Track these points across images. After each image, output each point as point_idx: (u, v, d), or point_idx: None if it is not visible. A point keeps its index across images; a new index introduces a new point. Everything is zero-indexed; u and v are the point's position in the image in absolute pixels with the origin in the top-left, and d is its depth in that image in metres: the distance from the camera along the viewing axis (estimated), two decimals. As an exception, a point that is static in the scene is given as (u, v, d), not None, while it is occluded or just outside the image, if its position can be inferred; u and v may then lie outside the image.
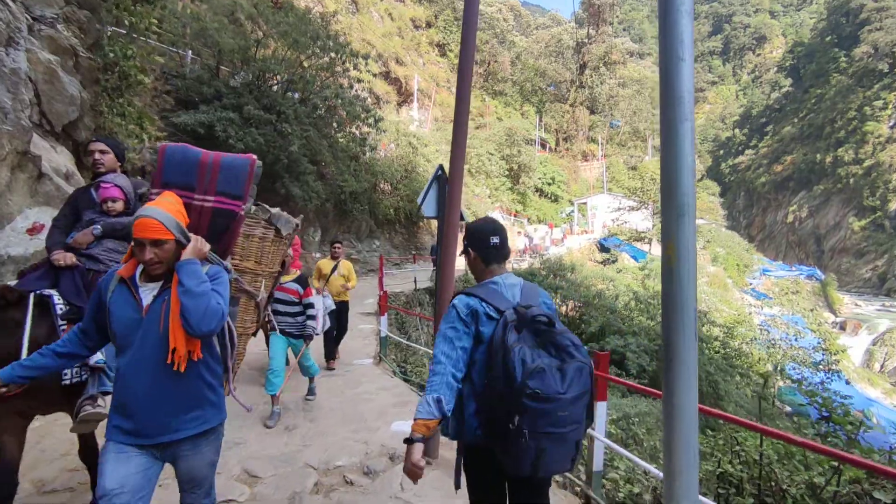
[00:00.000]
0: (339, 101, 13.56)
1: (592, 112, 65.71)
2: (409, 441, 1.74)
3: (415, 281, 14.18)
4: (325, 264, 6.74)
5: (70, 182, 5.27)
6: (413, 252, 21.68)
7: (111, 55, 5.98)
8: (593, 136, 66.15)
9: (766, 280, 59.04)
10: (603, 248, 30.36)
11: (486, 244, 1.97)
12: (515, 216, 36.87)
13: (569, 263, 19.14)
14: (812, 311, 34.50)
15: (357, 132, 15.38)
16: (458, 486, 1.95)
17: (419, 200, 4.60)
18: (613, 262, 28.54)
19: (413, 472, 1.72)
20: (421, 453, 1.72)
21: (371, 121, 14.66)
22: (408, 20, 48.96)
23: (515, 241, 26.20)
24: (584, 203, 43.78)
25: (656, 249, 30.58)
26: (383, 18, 44.12)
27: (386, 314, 7.28)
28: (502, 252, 1.99)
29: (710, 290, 25.84)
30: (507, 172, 40.11)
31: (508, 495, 1.92)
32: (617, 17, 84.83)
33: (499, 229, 2.02)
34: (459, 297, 1.90)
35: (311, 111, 13.80)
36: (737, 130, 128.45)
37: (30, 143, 4.69)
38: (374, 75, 16.07)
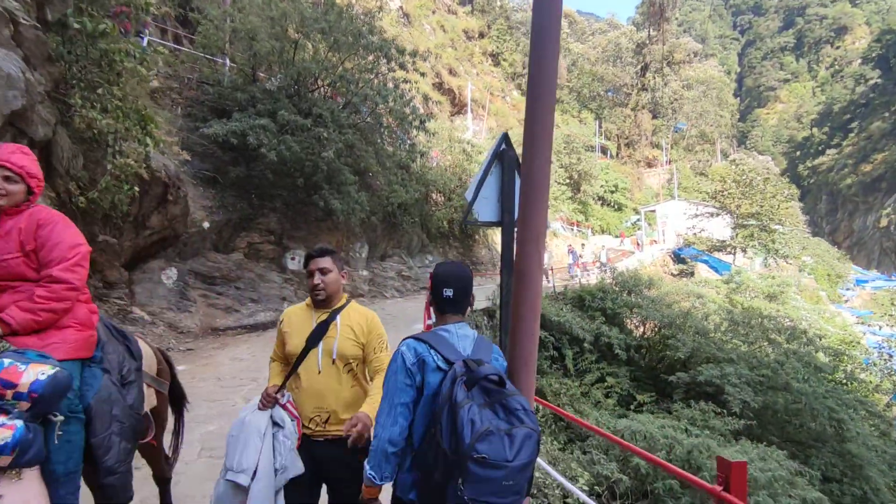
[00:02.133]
0: (381, 99, 12.23)
1: (655, 116, 62.22)
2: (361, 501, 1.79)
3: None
4: (297, 321, 2.43)
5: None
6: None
7: (76, 26, 4.77)
8: (656, 142, 62.53)
9: (862, 292, 52.62)
10: (678, 259, 27.50)
11: (441, 294, 1.86)
12: (577, 226, 34.57)
13: (646, 278, 16.81)
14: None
15: (406, 137, 14.05)
16: None
17: (468, 196, 2.97)
18: (690, 274, 25.68)
19: None
20: None
21: (418, 122, 13.25)
22: (460, 31, 48.17)
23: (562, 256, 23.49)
24: (653, 211, 40.64)
25: (741, 260, 27.31)
26: (435, 31, 43.43)
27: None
28: (458, 304, 1.87)
29: (809, 305, 22.48)
30: (566, 181, 37.91)
31: None
32: (676, 18, 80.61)
33: (457, 279, 1.88)
34: (407, 343, 1.79)
35: (352, 114, 12.56)
36: (815, 129, 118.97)
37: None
38: (422, 74, 14.72)
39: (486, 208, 2.84)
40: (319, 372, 2.31)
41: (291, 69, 11.98)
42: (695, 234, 27.51)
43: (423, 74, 14.79)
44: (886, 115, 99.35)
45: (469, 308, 1.91)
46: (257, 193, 12.28)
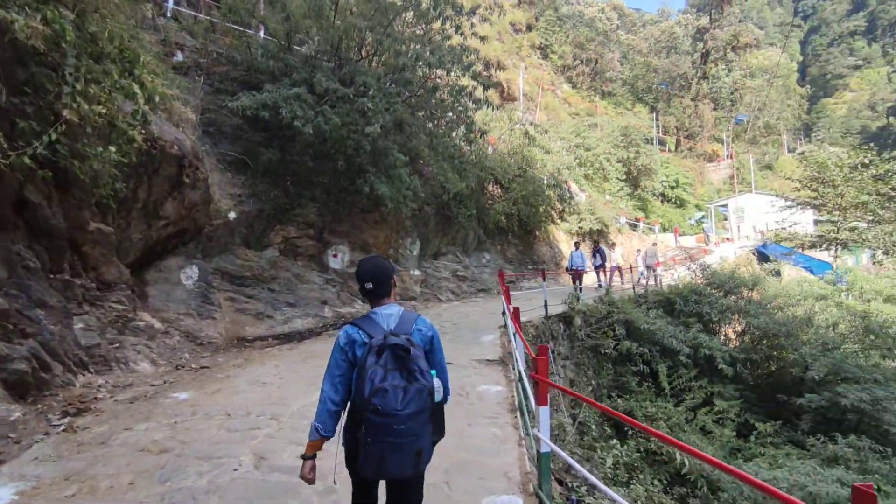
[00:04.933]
0: (437, 62, 10.21)
1: (715, 108, 57.86)
2: (302, 457, 2.14)
3: (545, 305, 10.32)
4: None
5: None
6: (529, 267, 17.84)
7: None
8: (717, 135, 58.18)
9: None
10: (762, 258, 24.28)
11: (364, 288, 2.19)
12: (641, 222, 31.67)
13: (748, 277, 14.14)
14: None
15: (463, 113, 11.98)
16: (334, 482, 2.31)
17: None
18: (776, 274, 22.44)
19: (305, 480, 2.11)
20: (308, 468, 2.11)
21: (481, 89, 11.19)
22: (507, 24, 46.09)
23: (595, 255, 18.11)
24: (724, 206, 37.05)
25: (841, 260, 23.76)
26: (482, 24, 41.46)
27: (548, 405, 3.17)
28: (378, 293, 2.18)
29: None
30: (624, 177, 34.93)
31: (387, 493, 2.18)
32: (738, 3, 75.19)
33: (374, 274, 2.18)
34: (345, 328, 2.15)
35: (401, 86, 10.66)
36: (892, 118, 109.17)
37: None
38: (483, 39, 12.64)
39: None
40: None
41: (331, 32, 10.21)
42: (782, 229, 24.14)
43: (483, 39, 12.63)
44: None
45: (392, 289, 2.23)
46: (293, 180, 10.57)
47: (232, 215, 9.19)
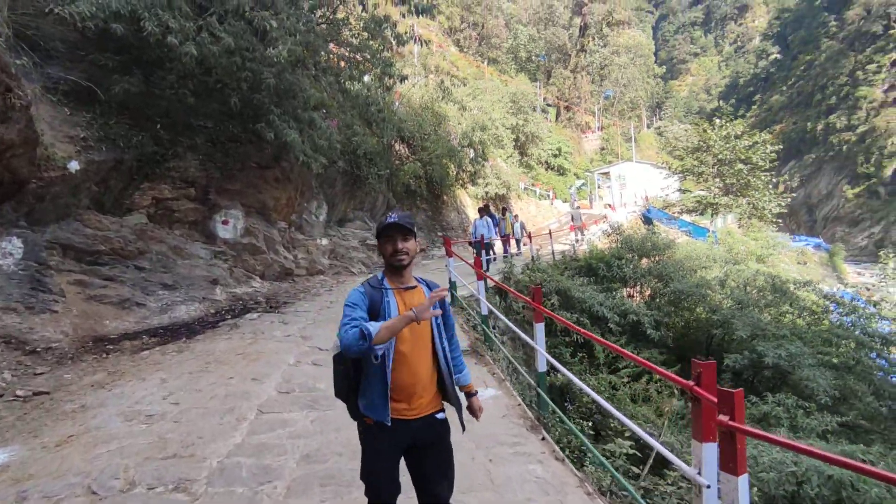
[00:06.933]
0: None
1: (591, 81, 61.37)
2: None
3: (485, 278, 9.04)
4: None
5: None
6: (439, 234, 16.59)
7: None
8: (590, 108, 61.91)
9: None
10: (648, 223, 25.73)
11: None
12: (538, 187, 32.12)
13: (661, 240, 14.29)
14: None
15: (376, 54, 10.04)
16: None
17: None
18: (656, 238, 23.97)
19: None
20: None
21: (411, 9, 9.30)
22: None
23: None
24: (606, 173, 39.03)
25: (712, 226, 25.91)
26: None
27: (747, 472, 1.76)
28: None
29: (797, 266, 21.33)
30: (513, 143, 35.15)
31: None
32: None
33: None
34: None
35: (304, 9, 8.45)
36: (722, 102, 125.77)
37: None
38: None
39: None
40: None
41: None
42: (667, 196, 25.74)
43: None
44: (784, 88, 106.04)
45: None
46: (166, 123, 7.96)
47: (74, 166, 6.50)
